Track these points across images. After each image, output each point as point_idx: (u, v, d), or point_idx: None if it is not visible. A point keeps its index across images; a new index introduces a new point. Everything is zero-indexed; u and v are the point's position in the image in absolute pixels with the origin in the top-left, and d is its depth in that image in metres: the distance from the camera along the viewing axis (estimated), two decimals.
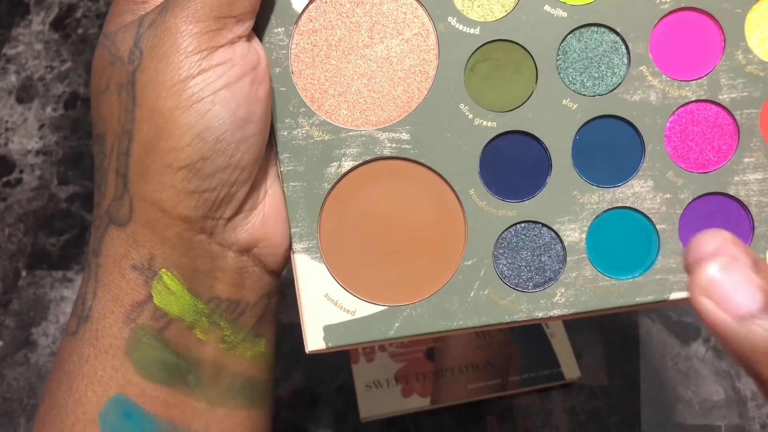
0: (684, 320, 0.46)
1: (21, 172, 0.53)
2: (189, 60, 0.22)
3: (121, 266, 0.24)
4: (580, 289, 0.26)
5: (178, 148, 0.23)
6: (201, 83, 0.22)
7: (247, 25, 0.24)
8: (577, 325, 0.45)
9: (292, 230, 0.26)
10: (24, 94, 0.57)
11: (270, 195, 0.26)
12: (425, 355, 0.44)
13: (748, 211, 0.26)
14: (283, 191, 0.26)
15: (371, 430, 0.43)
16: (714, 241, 0.18)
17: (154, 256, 0.24)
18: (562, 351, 0.44)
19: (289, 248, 0.26)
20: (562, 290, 0.26)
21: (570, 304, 0.26)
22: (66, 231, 0.50)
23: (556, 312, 0.26)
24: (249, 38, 0.24)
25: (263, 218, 0.26)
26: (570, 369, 0.43)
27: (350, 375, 0.43)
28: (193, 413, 0.25)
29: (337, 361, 0.45)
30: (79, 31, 0.60)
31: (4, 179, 0.53)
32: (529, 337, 0.44)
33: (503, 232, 0.26)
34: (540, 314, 0.26)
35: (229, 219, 0.25)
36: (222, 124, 0.23)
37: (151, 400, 0.24)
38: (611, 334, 0.45)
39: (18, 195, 0.52)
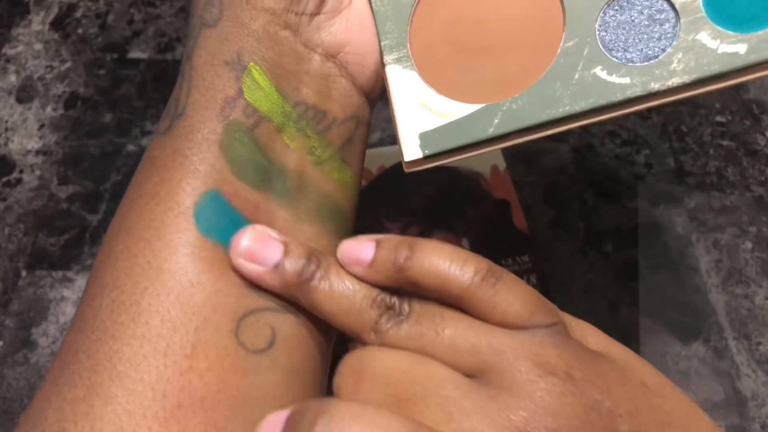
0: (684, 320, 0.46)
1: (21, 172, 0.53)
2: None
3: (213, 64, 0.25)
4: (700, 51, 0.23)
5: None
6: None
7: None
8: None
9: (382, 43, 0.26)
10: (24, 94, 0.57)
11: (355, 5, 0.27)
12: None
13: None
14: (372, 8, 0.26)
15: None
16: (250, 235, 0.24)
17: (243, 50, 0.25)
18: None
19: (378, 63, 0.27)
20: (680, 56, 0.23)
21: (691, 70, 0.23)
22: (66, 231, 0.50)
23: (675, 80, 0.23)
24: None
25: (347, 23, 0.27)
26: None
27: None
28: (281, 225, 0.26)
29: (337, 361, 0.45)
30: (79, 31, 0.60)
31: (4, 179, 0.53)
32: None
33: (605, 6, 0.24)
34: (656, 86, 0.23)
35: (312, 16, 0.26)
36: None
37: (244, 202, 0.25)
38: (611, 334, 0.45)
39: (18, 195, 0.52)
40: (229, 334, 0.23)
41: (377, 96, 0.29)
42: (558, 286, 0.47)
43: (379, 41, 0.26)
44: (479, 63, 0.25)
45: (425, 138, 0.24)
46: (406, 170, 0.25)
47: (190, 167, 0.24)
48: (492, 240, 0.48)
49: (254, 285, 0.24)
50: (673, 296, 0.47)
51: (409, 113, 0.25)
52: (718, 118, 0.55)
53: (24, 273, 0.49)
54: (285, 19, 0.26)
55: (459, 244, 0.47)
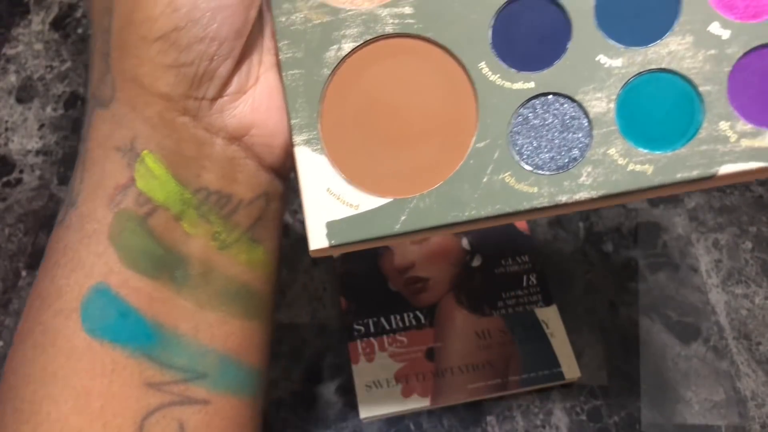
0: (684, 320, 0.46)
1: (21, 172, 0.53)
2: None
3: (105, 149, 0.24)
4: (610, 166, 0.23)
5: (152, 17, 0.22)
6: None
7: None
8: (577, 325, 0.45)
9: (292, 122, 0.24)
10: (24, 94, 0.57)
11: (263, 82, 0.25)
12: (425, 355, 0.44)
13: None
14: (283, 82, 0.25)
15: (371, 430, 0.43)
16: None
17: (137, 137, 0.23)
18: (562, 351, 0.44)
19: (287, 142, 0.25)
20: (589, 169, 0.23)
21: (599, 185, 0.23)
22: None
23: (582, 195, 0.23)
24: None
25: (253, 104, 0.24)
26: (570, 369, 0.43)
27: (350, 375, 0.43)
28: (181, 313, 0.24)
29: (337, 361, 0.45)
30: (79, 30, 0.60)
31: (4, 179, 0.53)
32: (529, 337, 0.44)
33: (519, 107, 0.24)
34: (564, 198, 0.23)
35: (213, 100, 0.24)
36: None
37: (135, 292, 0.23)
38: (611, 334, 0.45)
39: (18, 195, 0.52)
40: None
41: (290, 169, 0.27)
42: (558, 286, 0.47)
43: (289, 119, 0.24)
44: (389, 153, 0.24)
45: (332, 227, 0.24)
46: (312, 256, 0.25)
47: (78, 262, 0.23)
48: (492, 240, 0.48)
49: (153, 381, 0.23)
50: (673, 296, 0.47)
51: (316, 200, 0.24)
52: None
53: (24, 273, 0.49)
54: (183, 105, 0.23)
55: (459, 244, 0.47)
